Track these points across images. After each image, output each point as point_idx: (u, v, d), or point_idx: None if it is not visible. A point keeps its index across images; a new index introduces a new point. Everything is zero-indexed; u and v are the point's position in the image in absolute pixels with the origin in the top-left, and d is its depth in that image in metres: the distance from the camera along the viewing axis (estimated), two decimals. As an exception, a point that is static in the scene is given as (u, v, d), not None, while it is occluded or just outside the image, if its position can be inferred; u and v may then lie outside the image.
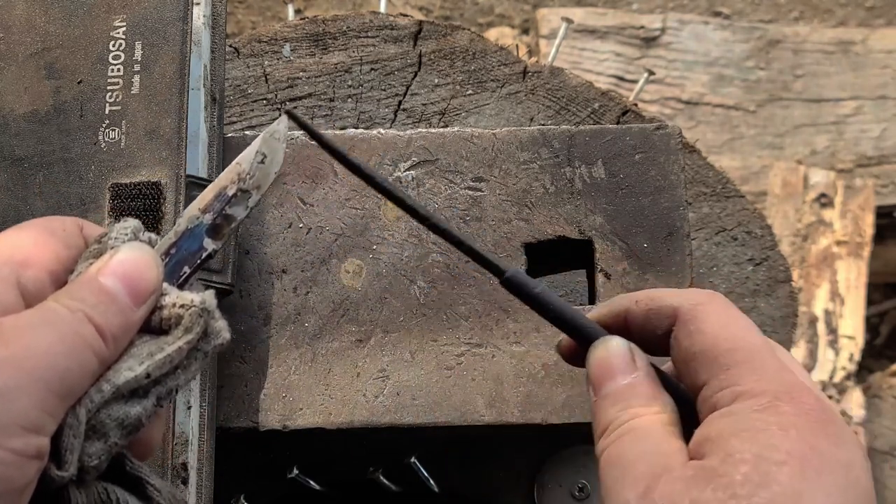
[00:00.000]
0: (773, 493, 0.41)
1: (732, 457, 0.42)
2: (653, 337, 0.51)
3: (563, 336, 0.54)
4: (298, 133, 0.81)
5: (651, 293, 0.52)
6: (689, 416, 0.48)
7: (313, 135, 0.54)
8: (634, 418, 0.48)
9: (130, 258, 0.50)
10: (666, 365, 0.52)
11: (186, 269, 0.53)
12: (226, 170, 0.54)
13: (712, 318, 0.49)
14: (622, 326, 0.53)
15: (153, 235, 0.53)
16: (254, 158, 0.54)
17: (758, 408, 0.44)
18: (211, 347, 0.51)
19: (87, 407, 0.46)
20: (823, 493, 0.41)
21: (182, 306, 0.50)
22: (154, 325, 0.50)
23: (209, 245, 0.53)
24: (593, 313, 0.54)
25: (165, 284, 0.51)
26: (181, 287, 0.52)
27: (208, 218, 0.53)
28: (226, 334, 0.52)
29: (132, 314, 0.49)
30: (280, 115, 0.93)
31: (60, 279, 0.50)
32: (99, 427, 0.47)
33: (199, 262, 0.53)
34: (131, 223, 0.53)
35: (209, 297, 0.51)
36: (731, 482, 0.41)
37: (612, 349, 0.51)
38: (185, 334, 0.50)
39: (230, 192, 0.54)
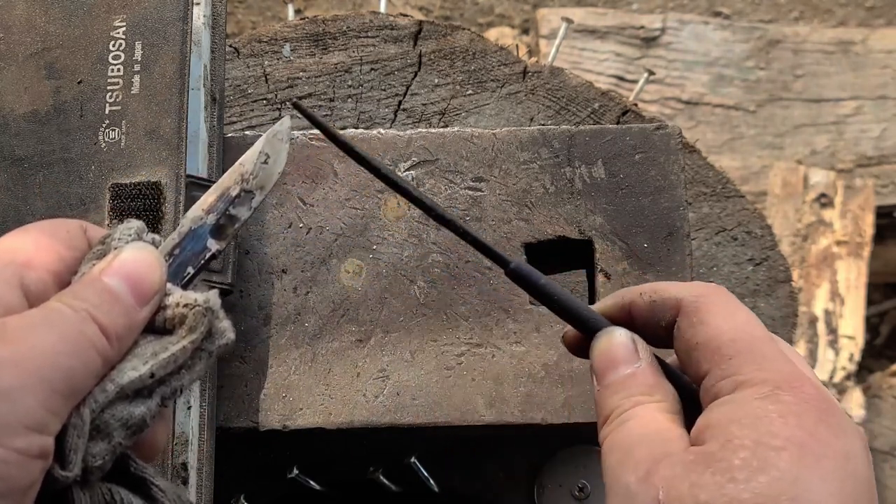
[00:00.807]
0: (771, 478, 0.41)
1: (732, 442, 0.43)
2: (657, 328, 0.52)
3: (568, 327, 0.54)
4: (298, 133, 0.81)
5: (655, 286, 0.53)
6: (692, 406, 0.49)
7: (320, 126, 0.54)
8: (636, 406, 0.48)
9: (134, 258, 0.50)
10: (671, 358, 0.52)
11: (190, 270, 0.53)
12: (229, 170, 0.54)
13: (715, 309, 0.49)
14: (627, 318, 0.53)
15: (156, 236, 0.53)
16: (257, 159, 0.54)
17: (758, 396, 0.44)
18: (215, 347, 0.51)
19: (91, 407, 0.46)
20: (820, 479, 0.41)
21: (186, 306, 0.50)
22: (158, 325, 0.50)
23: (213, 245, 0.53)
24: (598, 305, 0.55)
25: (169, 284, 0.51)
26: (185, 287, 0.52)
27: (212, 218, 0.53)
28: (230, 334, 0.51)
29: (136, 314, 0.49)
30: (282, 115, 0.93)
31: (64, 280, 0.50)
32: (103, 427, 0.47)
33: (202, 262, 0.53)
34: (135, 224, 0.53)
35: (213, 296, 0.51)
36: (729, 466, 0.42)
37: (615, 340, 0.52)
38: (189, 334, 0.50)
39: (233, 193, 0.54)
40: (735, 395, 0.45)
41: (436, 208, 0.54)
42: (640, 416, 0.48)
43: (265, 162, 0.54)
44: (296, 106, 0.55)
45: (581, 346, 0.55)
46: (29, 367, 0.43)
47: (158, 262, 0.51)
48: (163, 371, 0.49)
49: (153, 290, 0.50)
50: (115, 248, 0.51)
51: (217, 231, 0.53)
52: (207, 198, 0.54)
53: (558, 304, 0.53)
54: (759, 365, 0.46)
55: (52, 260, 0.50)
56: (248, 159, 0.54)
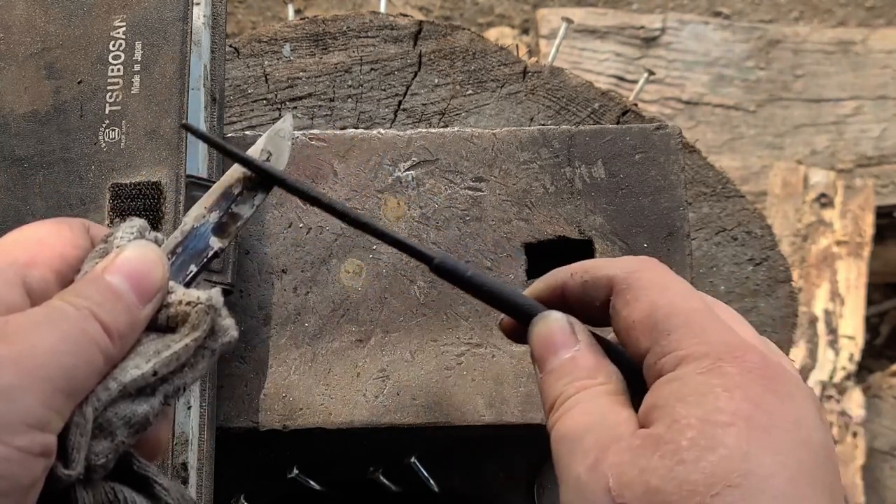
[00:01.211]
0: (720, 457, 0.40)
1: (678, 422, 0.42)
2: (592, 308, 0.51)
3: (503, 315, 0.54)
4: (298, 133, 0.81)
5: (585, 264, 0.52)
6: (636, 383, 0.48)
7: (212, 144, 0.54)
8: (580, 391, 0.48)
9: (136, 256, 0.50)
10: (610, 335, 0.52)
11: (193, 268, 0.53)
12: (231, 168, 0.55)
13: (648, 284, 0.49)
14: (560, 300, 0.52)
15: (159, 235, 0.53)
16: (259, 157, 0.55)
17: (701, 371, 0.44)
18: (218, 345, 0.51)
19: (93, 405, 0.46)
20: (771, 451, 0.41)
21: (188, 304, 0.50)
22: (161, 324, 0.50)
23: (215, 244, 0.53)
24: (529, 290, 0.54)
25: (172, 283, 0.51)
26: (187, 286, 0.52)
27: (214, 217, 0.54)
28: (233, 332, 0.51)
29: (138, 312, 0.49)
30: (282, 115, 0.93)
31: (66, 279, 0.50)
32: (106, 425, 0.47)
33: (205, 260, 0.53)
34: (137, 223, 0.52)
35: (216, 294, 0.51)
36: (677, 448, 0.41)
37: (551, 324, 0.51)
38: (191, 332, 0.50)
39: (236, 191, 0.54)
40: (677, 371, 0.45)
41: (348, 213, 0.54)
42: (584, 402, 0.47)
43: (267, 160, 0.55)
44: (185, 127, 0.55)
45: (518, 332, 0.54)
46: (30, 366, 0.43)
47: (161, 260, 0.51)
48: (165, 369, 0.48)
49: (155, 287, 0.50)
50: (118, 247, 0.51)
51: (219, 229, 0.53)
52: (210, 196, 0.54)
53: (489, 293, 0.52)
54: (698, 338, 0.45)
55: (54, 258, 0.50)
56: (250, 157, 0.55)
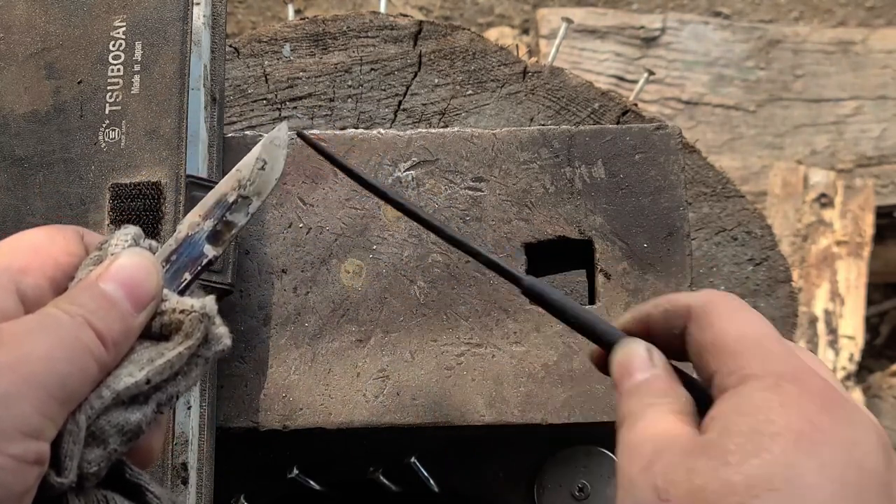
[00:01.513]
0: (763, 461, 0.41)
1: (729, 430, 0.43)
2: (672, 338, 0.53)
3: (593, 346, 0.56)
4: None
5: (668, 297, 0.54)
6: (706, 409, 0.49)
7: (325, 155, 0.55)
8: (647, 408, 0.49)
9: (131, 264, 0.50)
10: (689, 368, 0.53)
11: (187, 276, 0.53)
12: (226, 176, 0.54)
13: (722, 311, 0.50)
14: (644, 331, 0.54)
15: (153, 242, 0.53)
16: (254, 165, 0.54)
17: (761, 388, 0.45)
18: (212, 353, 0.51)
19: (87, 413, 0.46)
20: (818, 464, 0.41)
21: (182, 312, 0.50)
22: (154, 331, 0.50)
23: (209, 252, 0.53)
24: (618, 322, 0.56)
25: (166, 290, 0.51)
26: (182, 293, 0.52)
27: (209, 224, 0.54)
28: (227, 340, 0.51)
29: (132, 320, 0.49)
30: (281, 116, 0.93)
31: (60, 286, 0.50)
32: (98, 433, 0.47)
33: (199, 268, 0.53)
34: (131, 230, 0.52)
35: (210, 302, 0.51)
36: (724, 451, 0.42)
37: (631, 349, 0.53)
38: (185, 340, 0.50)
39: (230, 199, 0.54)
40: (740, 388, 0.46)
41: (445, 229, 0.56)
42: (650, 417, 0.48)
43: (262, 168, 0.54)
44: (301, 136, 0.56)
45: (604, 361, 0.56)
46: (25, 373, 0.43)
47: (155, 268, 0.51)
48: (159, 377, 0.48)
49: (150, 295, 0.50)
50: (112, 254, 0.51)
51: (214, 237, 0.54)
52: (205, 203, 0.54)
53: (574, 319, 0.54)
54: (764, 359, 0.46)
55: (48, 265, 0.50)
56: (245, 165, 0.54)
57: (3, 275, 0.48)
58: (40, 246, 0.50)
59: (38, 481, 0.44)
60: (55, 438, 0.45)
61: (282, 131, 0.55)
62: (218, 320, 0.51)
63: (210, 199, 0.54)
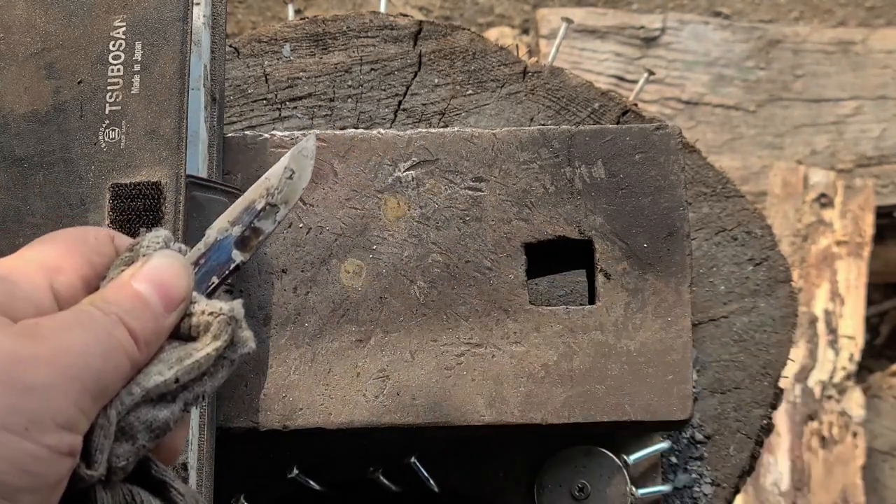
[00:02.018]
0: None
1: None
2: None
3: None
4: (298, 133, 0.81)
5: None
6: None
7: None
8: None
9: (163, 265, 0.51)
10: None
11: (215, 280, 0.55)
12: (254, 184, 0.56)
13: None
14: None
15: (182, 246, 0.55)
16: (282, 174, 0.56)
17: None
18: (237, 356, 0.52)
19: (117, 408, 0.47)
20: None
21: (211, 314, 0.51)
22: (183, 332, 0.52)
23: (237, 257, 0.55)
24: None
25: (195, 293, 0.52)
26: (209, 297, 0.54)
27: (237, 230, 0.55)
28: (252, 343, 0.53)
29: (163, 320, 0.50)
30: (281, 121, 0.93)
31: (92, 285, 0.51)
32: (128, 429, 0.48)
33: (227, 273, 0.55)
34: (162, 233, 0.54)
35: (237, 305, 0.52)
36: None
37: None
38: (213, 341, 0.51)
39: (259, 206, 0.56)
40: None
41: None
42: None
43: (290, 177, 0.57)
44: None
45: None
46: (61, 366, 0.44)
47: (186, 270, 0.52)
48: (187, 377, 0.50)
49: (181, 296, 0.51)
50: (144, 255, 0.52)
51: (242, 243, 0.55)
52: (233, 210, 0.56)
53: None
54: None
55: (81, 265, 0.51)
56: (273, 174, 0.56)
57: (39, 273, 0.49)
58: (73, 246, 0.52)
59: (69, 473, 0.45)
60: (86, 432, 0.46)
61: (310, 142, 0.57)
62: (244, 324, 0.52)
63: (238, 206, 0.56)
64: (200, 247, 0.55)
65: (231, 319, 0.51)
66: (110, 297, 0.49)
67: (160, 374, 0.49)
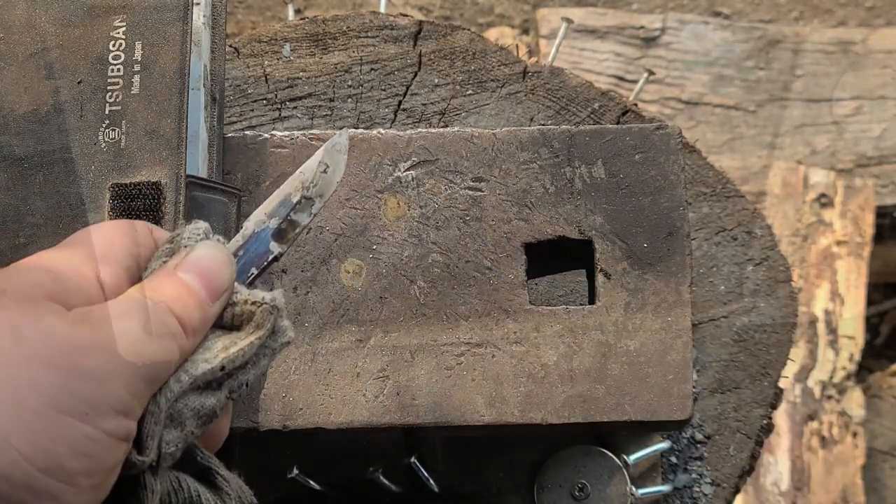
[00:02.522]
0: None
1: None
2: None
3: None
4: (298, 133, 0.81)
5: None
6: None
7: None
8: None
9: (207, 255, 0.53)
10: None
11: (254, 271, 0.56)
12: (290, 178, 0.58)
13: None
14: None
15: (221, 238, 0.56)
16: (317, 168, 0.58)
17: None
18: (278, 345, 0.54)
19: (167, 396, 0.48)
20: None
21: (254, 304, 0.53)
22: (226, 321, 0.53)
23: (275, 248, 0.56)
24: None
25: (236, 283, 0.54)
26: (249, 287, 0.55)
27: (274, 223, 0.57)
28: (291, 333, 0.55)
29: (209, 309, 0.51)
30: (282, 115, 0.93)
31: (135, 277, 0.52)
32: (176, 416, 0.49)
33: (266, 263, 0.56)
34: (202, 225, 0.55)
35: (279, 295, 0.54)
36: None
37: None
38: (256, 330, 0.53)
39: (294, 199, 0.57)
40: None
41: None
42: None
43: (325, 171, 0.58)
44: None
45: None
46: (115, 353, 0.45)
47: (229, 261, 0.53)
48: (231, 365, 0.51)
49: (224, 286, 0.52)
50: (185, 246, 0.53)
51: (279, 235, 0.57)
52: (270, 203, 0.57)
53: None
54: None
55: (124, 256, 0.52)
56: (308, 168, 0.58)
57: (85, 263, 0.50)
58: (115, 237, 0.53)
59: (124, 458, 0.46)
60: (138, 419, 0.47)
61: (343, 137, 0.59)
62: (284, 314, 0.54)
63: (274, 199, 0.57)
64: (238, 239, 0.56)
65: (273, 309, 0.53)
66: (157, 286, 0.50)
67: (206, 363, 0.50)
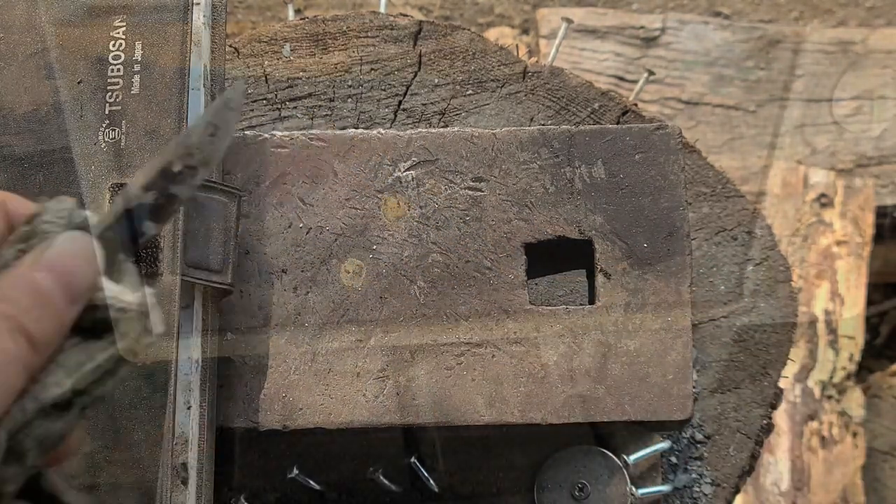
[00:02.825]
0: None
1: None
2: None
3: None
4: (298, 133, 0.81)
5: None
6: None
7: None
8: None
9: (68, 251, 0.46)
10: None
11: (122, 256, 0.48)
12: (173, 141, 0.50)
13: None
14: None
15: (88, 213, 0.48)
16: (204, 129, 0.49)
17: None
18: (142, 347, 0.47)
19: (7, 428, 0.43)
20: None
21: (119, 310, 0.46)
22: (85, 324, 0.46)
23: (150, 229, 0.48)
24: None
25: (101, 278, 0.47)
26: (116, 278, 0.48)
27: (150, 197, 0.48)
28: (159, 327, 0.48)
29: (66, 315, 0.45)
30: (280, 121, 0.93)
31: None
32: (17, 448, 0.43)
33: (137, 247, 0.49)
34: (67, 204, 0.48)
35: (149, 296, 0.47)
36: None
37: None
38: (119, 340, 0.46)
39: (176, 169, 0.48)
40: None
41: None
42: None
43: (213, 134, 0.49)
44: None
45: None
46: None
47: (93, 256, 0.46)
48: (86, 382, 0.45)
49: (86, 287, 0.46)
50: (46, 232, 0.46)
51: (155, 212, 0.48)
52: (147, 173, 0.48)
53: None
54: None
55: None
56: (194, 130, 0.49)
57: None
58: None
59: None
60: None
61: (238, 91, 0.50)
62: (155, 311, 0.48)
63: (153, 168, 0.49)
64: (108, 217, 0.48)
65: (140, 316, 0.46)
66: (8, 294, 0.43)
67: (58, 386, 0.44)
